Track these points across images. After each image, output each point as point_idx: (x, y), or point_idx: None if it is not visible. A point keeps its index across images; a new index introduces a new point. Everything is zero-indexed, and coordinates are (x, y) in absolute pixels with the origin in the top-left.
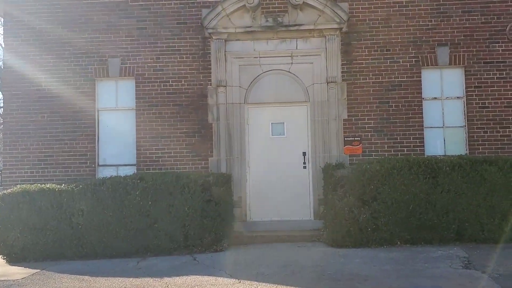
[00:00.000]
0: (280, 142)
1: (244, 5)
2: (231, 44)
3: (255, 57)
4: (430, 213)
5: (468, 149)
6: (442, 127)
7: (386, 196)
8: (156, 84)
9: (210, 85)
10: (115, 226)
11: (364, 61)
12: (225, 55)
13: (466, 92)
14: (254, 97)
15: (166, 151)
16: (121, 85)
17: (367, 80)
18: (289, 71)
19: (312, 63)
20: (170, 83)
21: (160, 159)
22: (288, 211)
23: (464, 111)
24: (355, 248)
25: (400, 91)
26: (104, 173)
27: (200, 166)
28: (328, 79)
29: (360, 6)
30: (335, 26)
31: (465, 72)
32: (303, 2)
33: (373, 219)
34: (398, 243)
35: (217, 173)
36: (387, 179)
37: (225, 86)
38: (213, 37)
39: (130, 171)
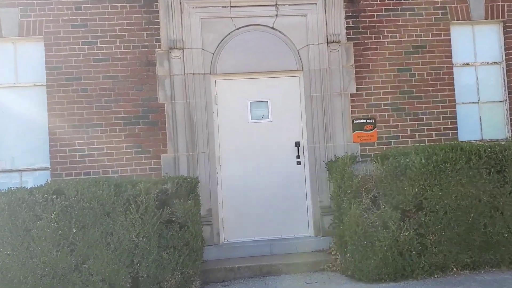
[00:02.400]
0: (263, 128)
1: None
2: None
3: (225, 6)
4: (497, 224)
5: (510, 130)
6: (477, 102)
7: (436, 203)
8: (77, 47)
9: (159, 47)
10: (17, 272)
11: (375, 13)
12: (180, 3)
13: (505, 56)
14: (224, 64)
15: (95, 146)
16: (22, 49)
17: (381, 40)
18: (273, 27)
19: (305, 15)
20: (99, 45)
21: (87, 158)
22: (277, 227)
23: (504, 81)
24: (396, 282)
25: (424, 54)
26: None
27: (148, 167)
28: (329, 38)
29: None
30: None
31: (504, 28)
32: None
33: (418, 237)
34: (454, 269)
35: (176, 176)
36: (437, 177)
37: (182, 49)
38: None
39: (41, 178)
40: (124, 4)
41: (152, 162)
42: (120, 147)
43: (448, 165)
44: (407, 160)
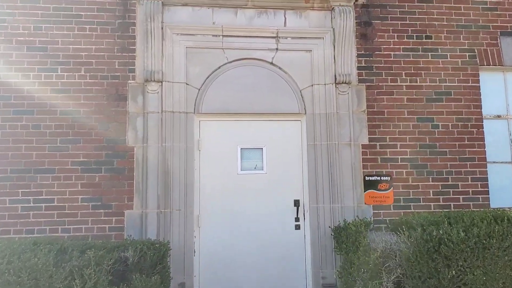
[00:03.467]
0: (255, 182)
1: None
2: (174, 10)
3: (216, 35)
4: None
5: None
6: (511, 162)
7: None
8: (31, 74)
9: (133, 79)
10: None
11: (392, 53)
12: (162, 28)
13: None
14: (211, 102)
15: (44, 197)
16: None
17: (398, 83)
18: (272, 63)
19: (310, 50)
20: (59, 72)
21: (31, 212)
22: None
23: None
24: None
25: (449, 102)
26: None
27: (108, 226)
28: (337, 78)
29: None
30: None
31: None
32: None
33: None
34: None
35: (141, 241)
36: (480, 256)
37: (161, 82)
38: None
39: None
40: (94, 26)
41: (114, 220)
42: (75, 199)
43: (494, 240)
44: (441, 232)
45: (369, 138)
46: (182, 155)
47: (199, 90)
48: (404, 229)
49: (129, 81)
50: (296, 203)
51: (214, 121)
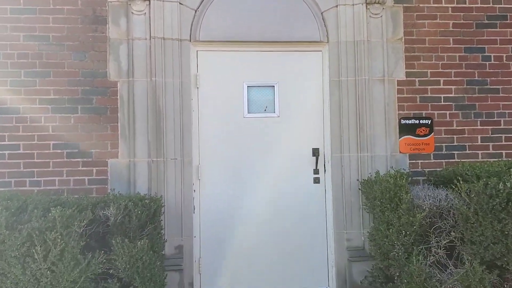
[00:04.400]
0: (265, 127)
1: None
2: None
3: None
4: None
5: None
6: None
7: None
8: None
9: None
10: None
11: None
12: None
13: None
14: (211, 27)
15: (7, 143)
16: None
17: (443, 4)
18: None
19: None
20: None
21: None
22: (281, 276)
23: None
24: None
25: (505, 28)
26: None
27: (88, 178)
28: None
29: None
30: None
31: None
32: None
33: None
34: None
35: (126, 196)
36: None
37: (149, 0)
38: None
39: None
40: None
41: (94, 171)
42: (45, 146)
43: None
44: (508, 185)
45: (406, 72)
46: (177, 93)
47: (195, 11)
48: (461, 181)
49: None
50: (315, 152)
51: (214, 51)
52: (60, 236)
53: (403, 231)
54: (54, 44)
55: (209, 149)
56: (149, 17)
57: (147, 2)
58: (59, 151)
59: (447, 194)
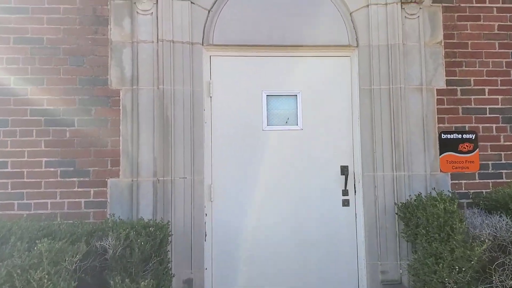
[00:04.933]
0: (287, 142)
1: None
2: None
3: None
4: None
5: None
6: None
7: None
8: None
9: None
10: None
11: None
12: None
13: None
14: (227, 30)
15: None
16: None
17: (487, 4)
18: None
19: None
20: None
21: None
22: None
23: None
24: None
25: None
26: None
27: (84, 200)
28: None
29: None
30: None
31: None
32: None
33: None
34: None
35: (129, 221)
36: None
37: None
38: None
39: None
40: None
41: (92, 192)
42: (37, 163)
43: None
44: None
45: (446, 80)
46: (187, 103)
47: (209, 11)
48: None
49: None
50: (344, 170)
51: (230, 56)
52: (47, 276)
53: (457, 267)
54: (49, 48)
55: (223, 167)
56: (157, 17)
57: (154, 1)
58: (52, 169)
59: (507, 222)
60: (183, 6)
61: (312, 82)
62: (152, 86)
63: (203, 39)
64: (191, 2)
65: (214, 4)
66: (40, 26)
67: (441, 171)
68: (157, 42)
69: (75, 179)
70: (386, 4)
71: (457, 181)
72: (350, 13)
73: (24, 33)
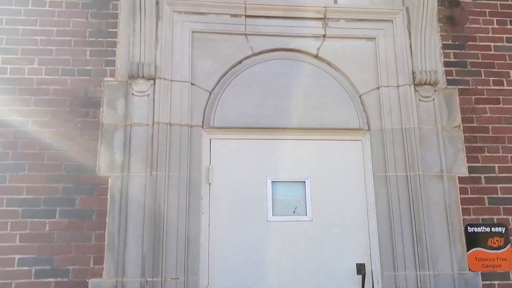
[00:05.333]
0: (295, 235)
1: None
2: None
3: (235, 15)
4: None
5: None
6: None
7: None
8: None
9: (112, 75)
10: None
11: (492, 43)
12: (157, 3)
13: None
14: (229, 112)
15: None
16: None
17: (505, 87)
18: (317, 55)
19: (373, 38)
20: (1, 64)
21: None
22: None
23: None
24: None
25: None
26: None
27: None
28: (417, 77)
29: None
30: None
31: None
32: None
33: None
34: None
35: None
36: None
37: (154, 80)
38: None
39: None
40: (59, 0)
41: None
42: (9, 261)
43: None
44: None
45: (468, 167)
46: (183, 191)
47: (210, 93)
48: None
49: (106, 78)
50: (361, 269)
51: (232, 139)
52: None
53: None
54: (35, 131)
55: (221, 265)
56: (153, 99)
57: (152, 82)
58: (25, 268)
59: None
60: (183, 87)
61: (321, 167)
62: (145, 173)
63: (203, 121)
64: (192, 84)
65: (216, 85)
66: (26, 108)
67: (470, 269)
68: (153, 125)
69: (51, 279)
70: (398, 86)
71: (489, 282)
72: (360, 96)
73: (7, 115)
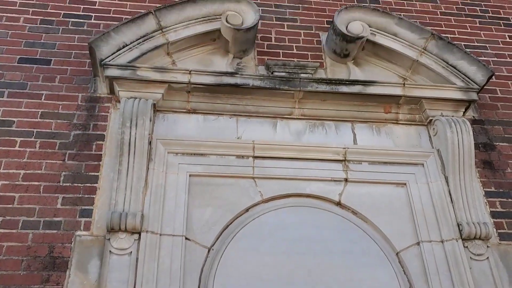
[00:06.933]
0: None
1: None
2: (173, 119)
3: (242, 156)
4: None
5: None
6: None
7: None
8: None
9: (87, 228)
10: None
11: None
12: (150, 142)
13: None
14: (233, 275)
15: None
16: None
17: None
18: (339, 202)
19: (404, 184)
20: None
21: None
22: None
23: None
24: None
25: None
26: None
27: None
28: (464, 230)
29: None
30: (458, 95)
31: None
32: (371, 39)
33: None
34: None
35: None
36: None
37: (139, 233)
38: (120, 91)
39: None
40: (31, 139)
41: None
42: None
43: None
44: None
45: None
46: None
47: (209, 250)
48: None
49: (78, 232)
50: None
51: None
52: None
53: None
54: None
55: None
56: (136, 258)
57: (136, 237)
58: None
59: None
60: (175, 243)
61: None
62: None
63: (199, 286)
64: (186, 238)
65: (215, 241)
66: None
67: None
68: None
69: None
70: (442, 241)
71: None
72: (397, 254)
73: None
